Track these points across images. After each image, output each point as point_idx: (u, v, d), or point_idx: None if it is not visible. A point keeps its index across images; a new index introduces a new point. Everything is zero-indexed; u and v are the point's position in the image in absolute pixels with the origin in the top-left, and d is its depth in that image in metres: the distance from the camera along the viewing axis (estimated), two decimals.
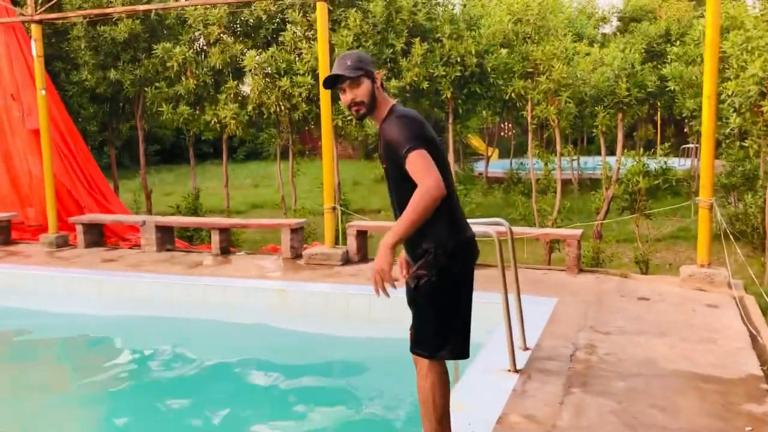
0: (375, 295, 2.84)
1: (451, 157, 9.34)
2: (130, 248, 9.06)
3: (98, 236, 9.22)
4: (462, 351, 3.10)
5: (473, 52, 8.31)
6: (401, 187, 2.97)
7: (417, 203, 2.75)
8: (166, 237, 8.79)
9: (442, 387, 3.05)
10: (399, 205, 3.03)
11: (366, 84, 3.01)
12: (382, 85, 3.10)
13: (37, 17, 8.87)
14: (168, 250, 8.74)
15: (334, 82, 3.07)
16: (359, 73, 2.99)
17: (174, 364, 6.01)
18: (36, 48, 8.88)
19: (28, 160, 9.84)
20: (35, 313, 7.25)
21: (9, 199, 10.02)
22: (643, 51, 9.73)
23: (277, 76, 9.15)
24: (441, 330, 3.02)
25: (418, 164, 2.80)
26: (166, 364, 6.04)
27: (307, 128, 10.36)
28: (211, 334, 6.54)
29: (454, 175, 9.16)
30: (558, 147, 8.66)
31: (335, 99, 8.51)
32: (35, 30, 8.87)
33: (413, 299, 3.06)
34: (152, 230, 8.60)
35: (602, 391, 4.02)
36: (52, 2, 9.14)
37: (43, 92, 8.98)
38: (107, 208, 10.10)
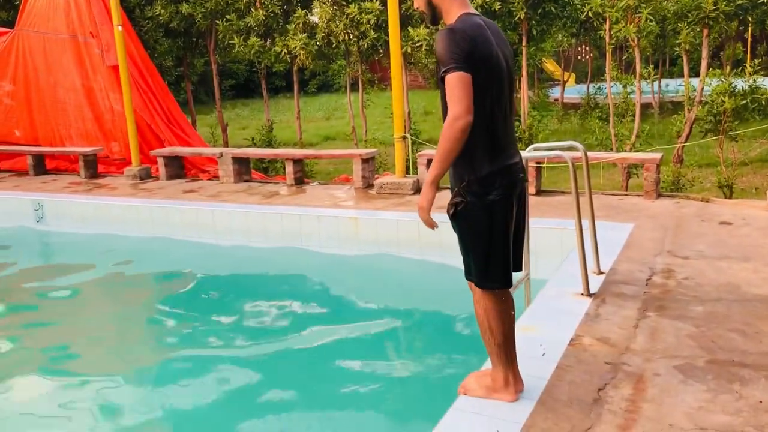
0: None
1: (525, 83, 9.07)
2: (209, 179, 9.35)
3: (179, 168, 9.54)
4: (504, 281, 3.00)
5: None
6: (442, 103, 2.87)
7: (444, 135, 2.71)
8: (243, 168, 9.01)
9: (498, 313, 3.00)
10: (443, 112, 2.93)
11: None
12: None
13: None
14: (245, 180, 8.97)
15: None
16: None
17: (250, 288, 6.28)
18: None
19: (109, 96, 10.17)
20: (120, 239, 7.65)
21: (94, 134, 10.44)
22: None
23: (344, 3, 9.03)
24: (482, 258, 2.95)
25: (451, 88, 2.70)
26: (242, 287, 6.31)
27: (376, 57, 10.23)
28: (287, 259, 6.75)
29: (525, 100, 8.95)
30: (638, 68, 8.26)
31: (404, 24, 8.35)
32: None
33: (453, 227, 3.01)
34: (229, 162, 8.83)
35: (679, 315, 3.95)
36: None
37: (120, 28, 9.18)
38: (186, 141, 10.40)
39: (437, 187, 2.84)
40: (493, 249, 2.95)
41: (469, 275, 3.06)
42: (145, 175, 9.48)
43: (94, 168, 9.91)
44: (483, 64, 2.77)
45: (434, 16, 2.98)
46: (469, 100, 2.69)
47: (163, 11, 10.34)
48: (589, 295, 4.31)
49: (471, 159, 2.85)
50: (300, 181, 8.66)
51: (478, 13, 2.96)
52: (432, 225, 2.88)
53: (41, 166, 10.43)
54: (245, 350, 4.97)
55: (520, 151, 3.25)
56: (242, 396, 4.26)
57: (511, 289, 3.49)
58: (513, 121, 3.09)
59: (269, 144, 10.77)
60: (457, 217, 2.93)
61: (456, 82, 2.69)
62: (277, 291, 6.22)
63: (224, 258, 7.01)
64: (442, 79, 2.76)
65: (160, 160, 9.34)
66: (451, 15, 2.91)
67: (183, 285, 6.62)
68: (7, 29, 10.83)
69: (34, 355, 5.08)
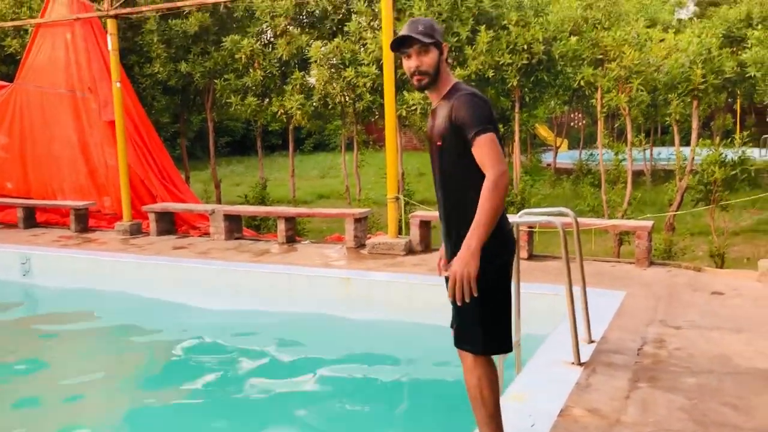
0: (449, 299, 2.74)
1: (517, 147, 9.17)
2: (199, 236, 9.30)
3: (170, 224, 9.50)
4: (508, 344, 2.99)
5: (541, 39, 8.11)
6: (457, 164, 2.87)
7: (491, 195, 2.66)
8: (234, 225, 8.98)
9: (490, 381, 2.95)
10: (446, 184, 2.96)
11: (433, 53, 2.90)
12: (447, 60, 3.01)
13: (112, 12, 9.19)
14: (236, 238, 8.93)
15: (400, 45, 2.95)
16: (429, 40, 2.88)
17: (236, 350, 6.15)
18: (111, 42, 9.20)
19: (104, 150, 10.21)
20: (109, 296, 7.54)
21: (86, 188, 10.44)
22: (721, 36, 9.26)
23: (342, 66, 9.19)
24: (487, 323, 2.91)
25: (489, 149, 2.73)
26: (230, 350, 6.18)
27: (371, 119, 10.37)
28: (274, 320, 6.65)
29: (518, 165, 9.02)
30: (629, 136, 8.37)
31: (399, 89, 8.48)
32: (111, 24, 9.19)
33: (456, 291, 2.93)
34: (221, 219, 8.81)
35: (671, 387, 3.87)
36: None
37: (118, 85, 9.30)
38: (178, 197, 10.39)
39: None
40: (502, 311, 2.96)
41: (463, 343, 2.98)
42: (136, 231, 9.43)
43: (84, 222, 9.87)
44: (497, 129, 2.87)
45: (435, 79, 2.96)
46: (503, 157, 2.77)
47: (162, 69, 10.49)
48: (580, 364, 4.23)
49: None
50: (292, 239, 8.63)
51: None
52: (470, 297, 2.68)
53: (31, 218, 10.38)
54: (228, 413, 4.83)
55: (513, 216, 3.27)
56: None
57: (502, 357, 3.44)
58: None
59: (262, 201, 10.78)
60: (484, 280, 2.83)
61: (491, 143, 2.75)
62: (265, 352, 6.09)
63: (210, 317, 6.90)
64: (460, 140, 2.80)
65: (152, 216, 9.31)
66: (447, 83, 2.98)
67: (166, 344, 6.48)
68: (7, 83, 10.95)
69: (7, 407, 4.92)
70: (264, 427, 4.60)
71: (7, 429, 4.63)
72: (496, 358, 3.11)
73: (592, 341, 4.62)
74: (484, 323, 2.91)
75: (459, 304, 2.70)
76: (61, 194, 10.56)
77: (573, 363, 4.23)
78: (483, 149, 2.74)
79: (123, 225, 9.40)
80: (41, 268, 8.19)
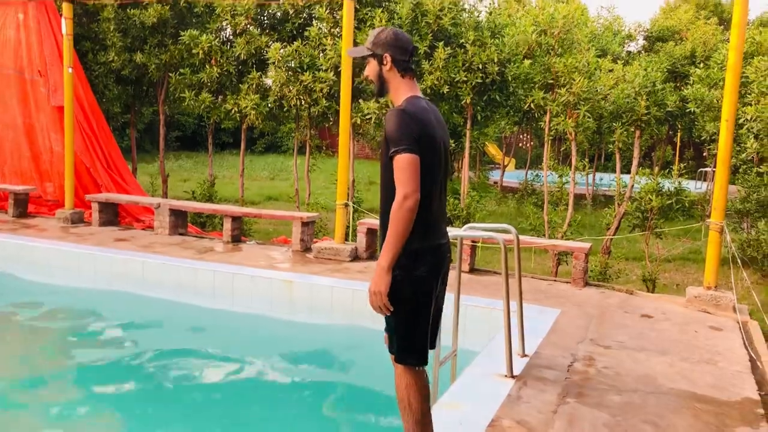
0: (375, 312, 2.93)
1: (466, 163, 9.37)
2: (143, 229, 9.17)
3: (113, 215, 9.34)
4: (422, 358, 3.05)
5: (495, 60, 8.33)
6: (387, 176, 2.94)
7: (395, 216, 2.80)
8: (180, 221, 8.90)
9: (418, 389, 3.02)
10: (381, 193, 3.02)
11: (372, 64, 3.06)
12: (404, 69, 3.04)
13: None
14: (180, 234, 8.85)
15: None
16: (366, 53, 3.07)
17: (172, 348, 6.11)
18: (66, 26, 9.02)
19: (50, 136, 9.98)
20: (41, 285, 7.37)
21: (29, 173, 10.17)
22: (666, 71, 9.73)
23: (299, 70, 9.23)
24: (406, 334, 3.01)
25: (401, 170, 2.80)
26: (163, 346, 6.14)
27: (326, 124, 10.44)
28: (215, 320, 6.62)
29: (465, 180, 9.22)
30: (573, 161, 8.67)
31: (355, 96, 8.58)
32: (66, 8, 9.01)
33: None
34: (166, 213, 8.71)
35: (597, 404, 4.05)
36: None
37: (70, 70, 9.12)
38: (124, 188, 10.22)
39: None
40: (414, 325, 3.00)
41: (390, 348, 3.10)
42: (78, 219, 9.23)
43: (24, 207, 9.61)
44: (427, 146, 2.90)
45: (381, 89, 3.10)
46: (417, 180, 2.80)
47: (116, 58, 10.33)
48: (513, 376, 4.38)
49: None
50: (237, 239, 8.60)
51: (423, 96, 3.11)
52: (388, 311, 2.91)
53: None
54: (153, 410, 4.80)
55: (457, 229, 3.35)
56: None
57: (438, 365, 3.55)
58: (445, 202, 3.20)
59: (209, 199, 10.70)
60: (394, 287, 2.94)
61: (406, 164, 2.80)
62: (202, 349, 6.07)
63: (147, 310, 6.83)
64: (390, 158, 2.86)
65: (95, 206, 9.14)
66: (399, 94, 3.04)
67: (98, 333, 6.38)
68: None
69: None
70: (189, 425, 4.59)
71: None
72: (429, 367, 3.21)
73: (526, 355, 4.79)
74: (398, 334, 3.02)
75: (381, 314, 2.92)
76: (1, 177, 10.26)
77: (506, 375, 4.37)
78: (397, 169, 2.82)
79: (64, 213, 9.20)
80: None
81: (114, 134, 11.27)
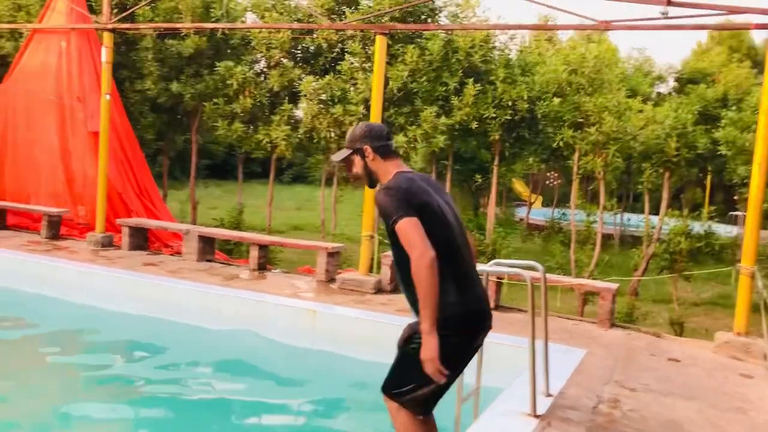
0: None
1: (493, 200, 9.39)
2: (171, 255, 9.28)
3: (142, 240, 9.48)
4: (423, 410, 3.06)
5: (525, 97, 8.39)
6: (396, 250, 3.01)
7: (417, 279, 2.81)
8: (207, 248, 8.99)
9: (416, 425, 3.02)
10: (399, 271, 3.09)
11: (356, 160, 3.19)
12: (385, 153, 3.16)
13: (110, 26, 9.29)
14: (207, 260, 8.93)
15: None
16: (346, 153, 3.21)
17: (197, 372, 6.13)
18: (106, 54, 9.28)
19: (85, 160, 10.20)
20: (71, 306, 7.47)
21: (62, 195, 10.38)
22: (697, 113, 9.67)
23: (330, 103, 9.37)
24: (411, 387, 3.01)
25: (404, 235, 2.85)
26: (188, 371, 6.16)
27: None
28: (240, 346, 6.64)
29: (492, 216, 9.22)
30: (602, 200, 8.64)
31: None
32: (107, 38, 9.28)
33: (400, 347, 3.08)
34: (195, 239, 8.82)
35: None
36: (126, 13, 9.58)
37: (108, 97, 9.35)
38: (154, 214, 10.38)
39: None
40: (432, 386, 2.98)
41: (385, 388, 3.10)
42: (108, 243, 9.38)
43: (56, 229, 9.80)
44: (423, 210, 2.94)
45: (371, 180, 3.22)
46: (423, 238, 2.82)
47: (153, 86, 10.59)
48: (537, 416, 4.32)
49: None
50: (263, 266, 8.66)
51: (411, 170, 3.22)
52: (443, 376, 2.87)
53: (2, 221, 10.27)
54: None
55: (483, 265, 3.33)
56: None
57: (460, 402, 3.53)
58: (474, 262, 3.18)
59: (237, 226, 10.81)
60: (409, 345, 2.98)
61: (406, 227, 2.85)
62: (222, 375, 6.09)
63: (174, 335, 6.88)
64: (393, 232, 2.92)
65: (125, 230, 9.28)
66: (388, 177, 3.14)
67: (126, 357, 6.44)
68: None
69: None
70: None
71: None
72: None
73: (550, 395, 4.72)
74: (415, 385, 3.01)
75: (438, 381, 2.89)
76: (36, 199, 10.48)
77: (530, 414, 4.31)
78: (401, 237, 2.87)
79: (95, 236, 9.36)
80: (5, 270, 8.08)
81: (146, 160, 11.48)
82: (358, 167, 3.20)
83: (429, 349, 2.82)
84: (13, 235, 9.82)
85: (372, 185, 3.24)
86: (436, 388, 3.00)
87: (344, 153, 3.23)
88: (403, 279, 3.05)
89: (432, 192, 3.08)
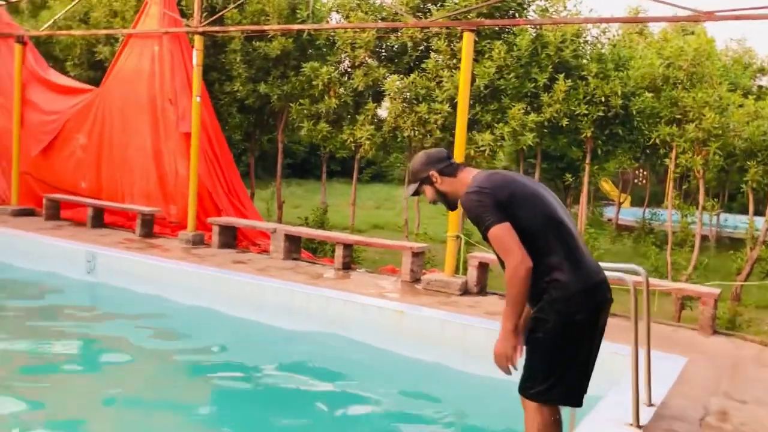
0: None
1: (584, 199, 9.08)
2: (258, 253, 9.45)
3: (231, 238, 9.68)
4: (574, 398, 3.01)
5: (619, 92, 8.06)
6: (495, 251, 2.99)
7: (510, 285, 2.84)
8: (293, 246, 9.10)
9: (553, 428, 2.95)
10: (500, 262, 3.03)
11: (428, 189, 3.24)
12: (452, 171, 3.17)
13: (200, 29, 9.54)
14: (294, 258, 9.04)
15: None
16: (415, 187, 3.27)
17: (281, 371, 6.18)
18: (197, 57, 9.53)
19: (176, 160, 10.51)
20: (164, 301, 7.70)
21: (155, 195, 10.73)
22: None
23: (415, 101, 9.29)
24: (552, 375, 2.93)
25: (497, 244, 2.86)
26: (274, 369, 6.22)
27: None
28: (325, 346, 6.66)
29: (583, 217, 8.91)
30: (701, 200, 8.20)
31: (470, 128, 8.53)
32: (198, 41, 9.53)
33: (528, 340, 3.00)
34: (281, 238, 8.94)
35: None
36: (215, 16, 9.81)
37: (198, 99, 9.60)
38: (243, 213, 10.60)
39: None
40: (577, 367, 2.96)
41: (524, 389, 2.98)
42: (198, 241, 9.64)
43: (149, 228, 10.14)
44: (514, 196, 2.92)
45: (449, 203, 3.23)
46: (517, 245, 2.80)
47: (241, 88, 10.80)
48: (639, 426, 4.10)
49: (552, 277, 2.87)
50: (347, 266, 8.68)
51: (481, 170, 3.23)
52: (511, 371, 2.95)
53: (99, 219, 10.72)
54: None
55: None
56: None
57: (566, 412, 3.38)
58: (582, 238, 3.11)
59: (321, 225, 10.90)
60: (536, 332, 2.92)
61: (500, 234, 2.84)
62: (311, 375, 6.12)
63: (262, 335, 6.97)
64: (486, 238, 2.93)
65: (215, 228, 9.51)
66: (462, 186, 3.11)
67: (213, 355, 6.56)
68: (92, 87, 11.44)
69: (59, 399, 5.05)
70: None
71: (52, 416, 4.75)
72: (566, 413, 3.09)
73: (652, 405, 4.49)
74: (548, 374, 2.94)
75: (505, 374, 2.97)
76: (130, 198, 10.88)
77: (632, 425, 4.10)
78: (494, 244, 2.90)
79: (186, 234, 9.63)
80: (106, 267, 8.42)
81: (234, 160, 11.72)
82: (431, 195, 3.25)
83: (507, 346, 2.87)
84: (110, 233, 10.24)
85: (451, 207, 3.25)
86: (579, 370, 2.97)
87: (413, 187, 3.30)
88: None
89: (513, 178, 3.07)
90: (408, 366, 6.22)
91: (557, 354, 2.89)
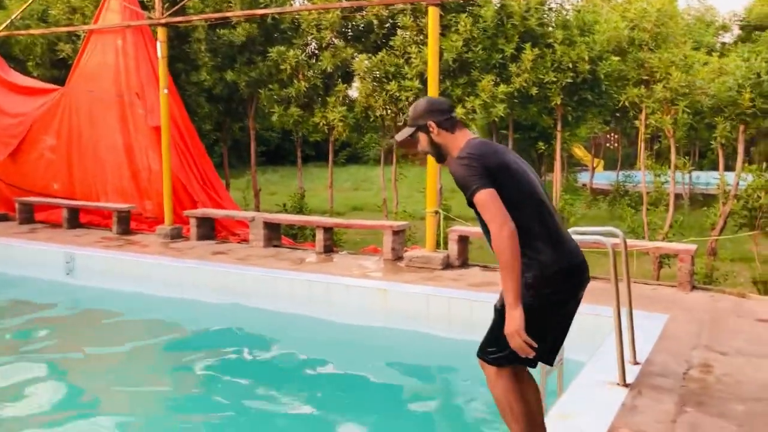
0: (523, 356, 2.83)
1: (558, 166, 9.17)
2: (238, 243, 9.42)
3: (209, 230, 9.63)
4: (532, 362, 3.00)
5: (586, 58, 8.12)
6: (481, 221, 2.94)
7: (497, 252, 2.76)
8: (273, 234, 9.08)
9: (517, 390, 2.96)
10: (485, 233, 2.98)
11: (422, 137, 3.14)
12: (451, 126, 3.10)
13: (163, 21, 9.39)
14: (274, 246, 9.02)
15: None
16: (411, 131, 3.16)
17: (271, 357, 6.21)
18: (161, 49, 9.40)
19: (148, 155, 10.40)
20: (146, 298, 7.67)
21: (129, 191, 10.63)
22: None
23: (385, 80, 9.27)
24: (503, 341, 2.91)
25: (483, 208, 2.81)
26: (263, 355, 6.24)
27: None
28: (312, 328, 6.70)
29: (558, 184, 9.01)
30: (673, 159, 8.31)
31: None
32: (161, 32, 9.39)
33: (498, 310, 3.00)
34: (260, 226, 8.91)
35: (719, 413, 3.82)
36: (177, 7, 9.67)
37: (165, 91, 9.48)
38: (219, 203, 10.53)
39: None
40: (545, 343, 2.95)
41: (483, 353, 3.02)
42: (177, 235, 9.57)
43: (126, 224, 10.05)
44: (502, 169, 2.90)
45: (440, 155, 3.16)
46: (502, 210, 2.77)
47: (208, 77, 10.69)
48: (626, 385, 4.20)
49: (529, 255, 2.86)
50: (329, 249, 8.69)
51: (478, 136, 3.15)
52: (529, 351, 2.80)
53: (75, 219, 10.60)
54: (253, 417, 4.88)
55: None
56: None
57: (545, 375, 3.45)
58: (560, 217, 3.11)
59: (300, 210, 10.88)
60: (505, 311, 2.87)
61: (484, 199, 2.80)
62: (300, 359, 6.15)
63: (248, 321, 6.99)
64: (472, 204, 2.87)
65: (193, 221, 9.45)
66: (456, 146, 3.06)
67: (204, 346, 6.56)
68: (57, 87, 11.24)
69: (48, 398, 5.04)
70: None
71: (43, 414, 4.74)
72: (537, 374, 3.12)
73: (637, 363, 4.59)
74: (497, 341, 2.93)
75: (523, 356, 2.83)
76: (105, 196, 10.77)
77: (618, 384, 4.20)
78: (480, 210, 2.84)
79: (164, 229, 9.56)
80: (85, 267, 8.35)
81: (206, 151, 11.62)
82: (424, 144, 3.16)
83: (513, 323, 2.76)
84: (87, 233, 10.13)
85: (441, 160, 3.18)
86: (546, 345, 2.97)
87: (408, 131, 3.19)
88: (488, 244, 2.99)
89: (503, 151, 3.06)
90: (395, 341, 6.29)
91: (527, 331, 2.82)
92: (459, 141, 3.06)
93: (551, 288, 2.88)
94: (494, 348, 2.98)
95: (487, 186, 2.80)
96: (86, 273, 8.31)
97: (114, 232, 9.94)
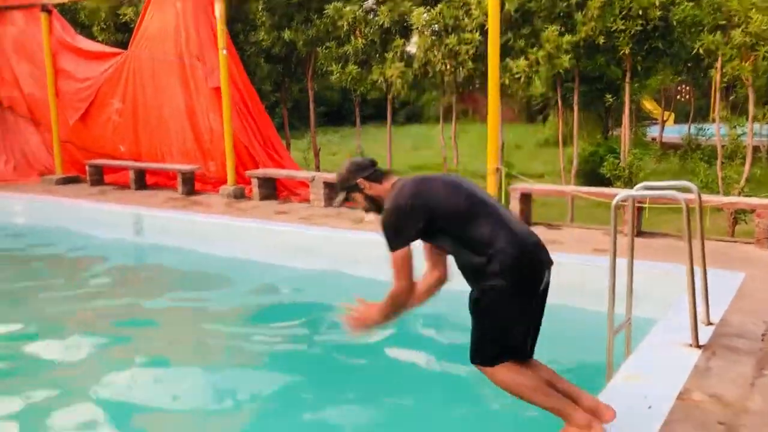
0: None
1: (626, 120, 8.77)
2: (299, 202, 9.47)
3: (271, 190, 9.71)
4: (522, 354, 3.07)
5: (657, 3, 7.67)
6: (447, 244, 3.12)
7: (390, 302, 3.15)
8: (333, 193, 9.06)
9: (521, 377, 3.00)
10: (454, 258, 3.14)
11: (357, 196, 3.29)
12: (377, 177, 3.25)
13: None
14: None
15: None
16: (343, 196, 3.35)
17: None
18: (219, 10, 9.40)
19: (209, 116, 10.50)
20: (213, 258, 7.82)
21: (193, 152, 10.79)
22: None
23: (444, 33, 9.03)
24: (500, 338, 3.01)
25: (394, 263, 3.05)
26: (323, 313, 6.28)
27: (470, 88, 10.15)
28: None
29: (626, 138, 8.56)
30: (751, 109, 7.83)
31: (503, 56, 8.26)
32: None
33: (472, 311, 3.06)
34: (320, 186, 8.92)
35: None
36: None
37: (224, 52, 9.50)
38: (280, 164, 10.59)
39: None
40: (522, 329, 3.05)
41: (474, 359, 3.07)
42: (240, 195, 9.69)
43: (191, 185, 10.23)
44: (432, 201, 3.04)
45: (378, 206, 3.26)
46: (408, 275, 3.06)
47: (266, 37, 10.64)
48: (699, 346, 4.02)
49: (488, 249, 2.92)
50: None
51: (401, 177, 3.28)
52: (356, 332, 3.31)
53: (142, 181, 10.86)
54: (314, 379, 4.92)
55: (629, 190, 3.19)
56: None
57: (612, 335, 3.39)
58: (509, 210, 3.27)
59: None
60: (480, 301, 2.99)
61: (396, 260, 3.04)
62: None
63: (310, 282, 7.03)
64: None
65: (255, 181, 9.54)
66: (387, 195, 3.19)
67: (270, 305, 6.66)
68: (121, 50, 11.42)
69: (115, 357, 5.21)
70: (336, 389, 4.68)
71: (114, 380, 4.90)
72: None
73: (711, 323, 4.38)
74: (494, 339, 3.04)
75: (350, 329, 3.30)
76: (170, 158, 10.97)
77: (691, 345, 4.02)
78: (392, 263, 3.06)
79: (227, 189, 9.69)
80: (153, 227, 8.56)
81: (266, 112, 11.66)
82: (360, 201, 3.30)
83: (370, 318, 3.23)
84: (154, 194, 10.37)
85: (380, 210, 3.24)
86: (520, 334, 3.05)
87: (342, 196, 3.37)
88: (459, 267, 3.13)
89: (431, 179, 3.19)
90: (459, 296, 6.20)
91: (502, 319, 2.97)
92: (387, 188, 3.21)
93: (515, 272, 2.93)
94: (482, 348, 3.05)
95: (400, 246, 3.01)
96: (154, 232, 8.51)
97: (179, 193, 10.14)
